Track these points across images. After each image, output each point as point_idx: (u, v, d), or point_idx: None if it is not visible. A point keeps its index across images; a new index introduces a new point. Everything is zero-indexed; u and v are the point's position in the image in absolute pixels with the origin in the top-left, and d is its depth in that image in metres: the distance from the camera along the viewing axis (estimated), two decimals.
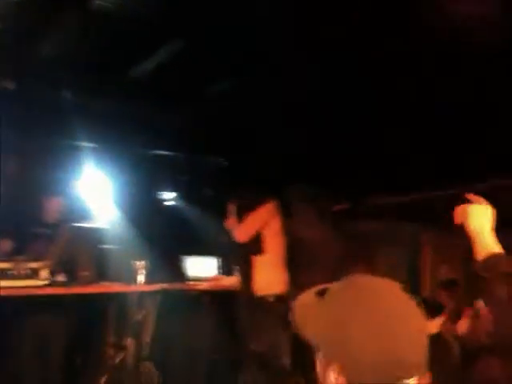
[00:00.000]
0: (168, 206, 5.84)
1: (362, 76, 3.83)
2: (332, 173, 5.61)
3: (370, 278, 0.99)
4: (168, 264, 4.59)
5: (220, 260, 4.84)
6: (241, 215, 3.80)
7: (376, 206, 6.40)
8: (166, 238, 5.05)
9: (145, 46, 3.71)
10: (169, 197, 5.84)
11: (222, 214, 4.00)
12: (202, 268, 4.78)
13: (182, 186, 5.79)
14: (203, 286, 4.46)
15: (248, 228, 3.69)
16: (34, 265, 3.78)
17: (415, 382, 0.87)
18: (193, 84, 4.30)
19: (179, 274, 4.62)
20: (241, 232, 3.74)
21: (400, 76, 3.73)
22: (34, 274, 3.77)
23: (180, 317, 4.31)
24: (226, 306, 4.35)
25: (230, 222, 3.91)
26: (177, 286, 4.40)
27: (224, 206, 3.99)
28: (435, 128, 4.45)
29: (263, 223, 3.69)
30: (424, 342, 0.92)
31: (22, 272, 3.74)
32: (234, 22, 3.25)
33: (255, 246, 3.67)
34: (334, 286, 1.00)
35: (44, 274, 3.79)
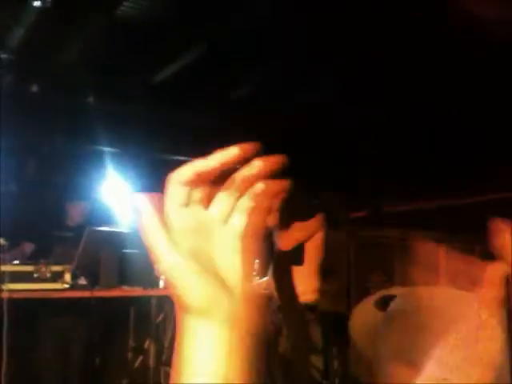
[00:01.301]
0: None
1: (381, 82, 3.83)
2: (350, 180, 5.61)
3: (436, 290, 1.00)
4: None
5: None
6: (285, 217, 3.79)
7: (395, 213, 6.38)
8: None
9: (166, 51, 3.75)
10: None
11: None
12: None
13: None
14: None
15: (294, 238, 3.70)
16: (56, 268, 3.83)
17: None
18: (215, 89, 4.33)
19: None
20: (285, 241, 3.73)
21: (422, 84, 3.73)
22: (56, 277, 3.82)
23: None
24: None
25: (272, 220, 3.91)
26: None
27: None
28: (453, 136, 4.44)
29: (309, 236, 3.70)
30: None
31: (45, 275, 3.79)
32: (255, 25, 3.27)
33: (297, 255, 3.67)
34: (396, 301, 1.00)
35: (66, 277, 3.83)
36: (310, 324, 2.84)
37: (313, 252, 2.71)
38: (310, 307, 2.77)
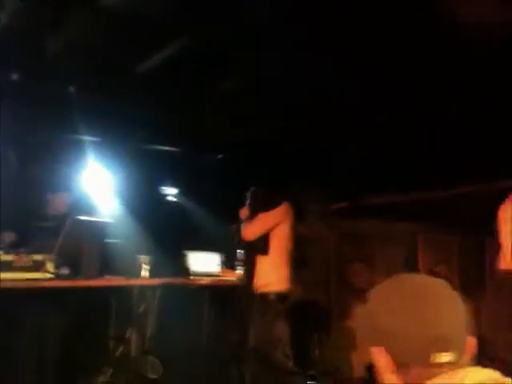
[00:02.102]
0: (170, 201, 5.87)
1: (364, 76, 3.87)
2: (330, 171, 5.67)
3: (410, 275, 1.12)
4: (170, 259, 4.64)
5: (222, 255, 4.89)
6: (254, 209, 3.84)
7: (374, 205, 6.46)
8: (169, 233, 5.09)
9: (149, 43, 3.73)
10: (171, 192, 5.88)
11: (223, 210, 4.04)
12: (203, 263, 4.83)
13: (184, 182, 5.83)
14: (205, 280, 4.51)
15: (257, 228, 3.73)
16: (37, 257, 3.80)
17: (450, 357, 0.95)
18: (195, 81, 4.33)
19: (181, 269, 4.66)
20: (249, 231, 3.78)
21: (403, 76, 3.77)
22: (37, 266, 3.79)
23: (181, 311, 4.35)
24: (226, 301, 4.40)
25: (244, 213, 3.96)
26: (179, 280, 4.45)
27: (225, 201, 4.04)
28: (435, 128, 4.51)
29: (274, 225, 3.72)
30: (462, 322, 1.02)
31: (26, 264, 3.76)
32: (239, 20, 3.27)
33: (261, 244, 3.71)
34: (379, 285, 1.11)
35: (48, 266, 3.82)
36: (279, 314, 2.89)
37: (282, 242, 2.84)
38: (280, 296, 2.87)
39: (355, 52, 3.40)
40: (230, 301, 4.33)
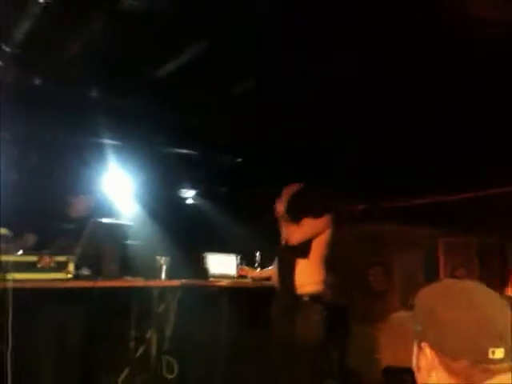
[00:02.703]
0: (189, 203, 5.92)
1: (380, 81, 3.87)
2: (349, 173, 5.66)
3: (456, 280, 1.16)
4: (189, 260, 4.67)
5: (240, 257, 4.91)
6: (294, 209, 3.79)
7: (393, 208, 6.44)
8: (188, 235, 5.13)
9: (169, 47, 3.78)
10: (190, 194, 5.93)
11: (241, 212, 4.03)
12: (222, 265, 4.85)
13: (203, 184, 5.87)
14: (223, 282, 4.53)
15: (304, 235, 3.71)
16: (60, 258, 3.86)
17: (504, 354, 0.98)
18: (213, 84, 4.36)
19: (200, 271, 4.69)
20: (296, 237, 3.74)
21: (421, 83, 3.77)
22: (59, 267, 3.85)
23: (200, 312, 4.38)
24: (245, 302, 4.42)
25: (279, 209, 3.95)
26: (197, 282, 4.48)
27: (243, 203, 4.03)
28: (453, 132, 4.49)
29: (318, 234, 3.72)
30: (509, 319, 1.05)
31: (48, 265, 3.83)
32: (258, 23, 3.30)
33: (303, 248, 3.69)
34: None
35: (70, 267, 3.87)
36: (313, 313, 2.90)
37: (319, 248, 2.87)
38: (314, 297, 2.89)
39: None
40: (247, 301, 4.34)
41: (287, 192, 3.95)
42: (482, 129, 4.30)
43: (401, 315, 1.15)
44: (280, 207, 3.91)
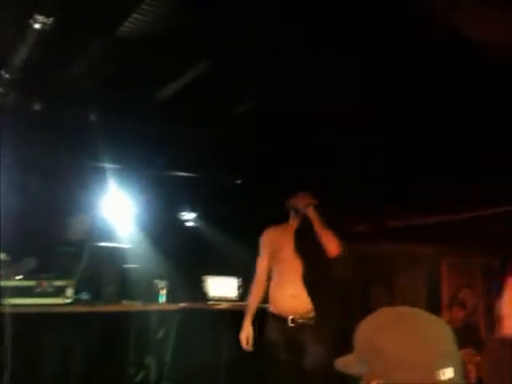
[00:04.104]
0: (188, 226, 5.91)
1: (384, 100, 3.88)
2: (349, 193, 5.65)
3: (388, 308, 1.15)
4: (189, 284, 4.65)
5: (240, 279, 4.88)
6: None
7: (394, 227, 6.41)
8: (187, 258, 5.11)
9: (169, 70, 3.81)
10: (189, 217, 5.92)
11: (241, 234, 4.00)
12: (222, 288, 4.83)
13: (202, 207, 5.87)
14: (223, 305, 4.51)
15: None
16: (58, 283, 3.86)
17: (452, 374, 0.97)
18: (213, 106, 4.39)
19: (200, 294, 4.66)
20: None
21: (425, 102, 3.78)
22: (58, 291, 3.85)
23: (200, 336, 4.34)
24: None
25: (306, 201, 3.70)
26: (197, 305, 4.45)
27: (242, 226, 3.97)
28: (455, 151, 4.48)
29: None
30: (451, 337, 1.05)
31: (47, 290, 3.81)
32: (257, 44, 3.32)
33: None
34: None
35: (68, 292, 3.86)
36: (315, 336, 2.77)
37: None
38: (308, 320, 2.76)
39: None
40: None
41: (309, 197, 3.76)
42: (486, 148, 4.29)
43: (343, 360, 1.12)
44: (306, 200, 3.69)
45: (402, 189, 5.37)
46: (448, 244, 6.44)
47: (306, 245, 3.64)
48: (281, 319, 3.53)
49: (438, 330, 1.04)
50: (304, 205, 3.66)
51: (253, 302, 3.65)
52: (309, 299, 3.53)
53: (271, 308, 3.62)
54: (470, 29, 2.67)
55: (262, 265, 3.69)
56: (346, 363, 1.11)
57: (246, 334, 3.56)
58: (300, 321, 3.49)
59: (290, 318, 3.49)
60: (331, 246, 3.54)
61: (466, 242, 6.15)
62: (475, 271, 6.86)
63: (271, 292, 3.65)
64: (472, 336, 4.37)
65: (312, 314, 3.53)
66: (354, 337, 1.09)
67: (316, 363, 3.46)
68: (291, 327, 3.49)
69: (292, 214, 3.76)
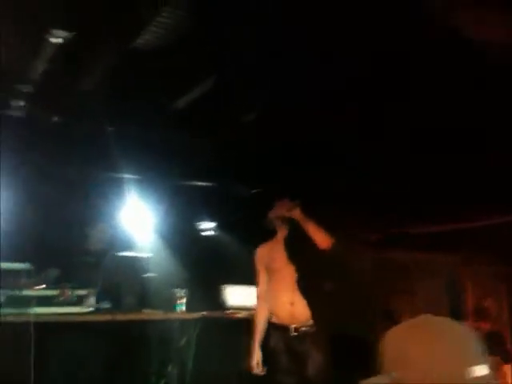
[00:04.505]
0: (207, 235, 5.94)
1: (397, 107, 3.88)
2: (370, 199, 5.62)
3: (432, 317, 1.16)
4: (208, 292, 4.67)
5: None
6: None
7: (416, 234, 6.35)
8: (206, 267, 5.14)
9: (184, 79, 3.85)
10: (208, 226, 5.95)
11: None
12: (240, 297, 4.83)
13: (220, 216, 5.89)
14: (242, 314, 4.51)
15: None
16: (80, 292, 3.92)
17: (486, 370, 0.98)
18: (231, 115, 4.43)
19: (218, 303, 4.68)
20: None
21: (437, 107, 3.77)
22: (79, 300, 3.91)
23: (221, 344, 4.35)
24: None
25: (285, 208, 3.70)
26: (216, 314, 4.46)
27: (261, 234, 3.94)
28: (475, 156, 4.45)
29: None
30: (480, 344, 1.08)
31: (69, 299, 3.87)
32: (268, 52, 3.35)
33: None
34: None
35: (90, 300, 3.92)
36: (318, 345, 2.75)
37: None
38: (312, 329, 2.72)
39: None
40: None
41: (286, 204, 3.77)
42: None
43: (370, 380, 1.13)
44: (289, 205, 3.70)
45: (423, 195, 5.33)
46: (471, 252, 6.36)
47: (299, 251, 3.66)
48: (282, 328, 3.52)
49: (467, 337, 1.05)
50: (288, 209, 3.67)
51: (260, 321, 3.64)
52: (306, 306, 3.53)
53: (271, 317, 3.62)
54: (469, 29, 2.67)
55: (261, 282, 3.72)
56: (373, 379, 1.12)
57: (257, 359, 3.56)
58: (302, 329, 3.48)
59: (293, 326, 3.47)
60: (321, 239, 3.55)
61: (489, 250, 6.06)
62: (499, 280, 6.74)
63: (268, 302, 3.66)
64: (497, 345, 4.31)
65: (311, 322, 3.52)
66: (381, 347, 1.10)
67: (318, 371, 3.45)
68: (293, 336, 3.47)
69: (278, 224, 3.78)
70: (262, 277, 3.72)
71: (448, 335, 1.05)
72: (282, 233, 3.77)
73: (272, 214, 3.81)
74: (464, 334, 1.06)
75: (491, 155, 4.35)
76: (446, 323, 1.09)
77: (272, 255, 3.71)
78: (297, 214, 3.66)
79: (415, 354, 1.03)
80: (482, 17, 2.57)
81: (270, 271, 3.69)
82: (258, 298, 3.73)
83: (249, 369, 3.60)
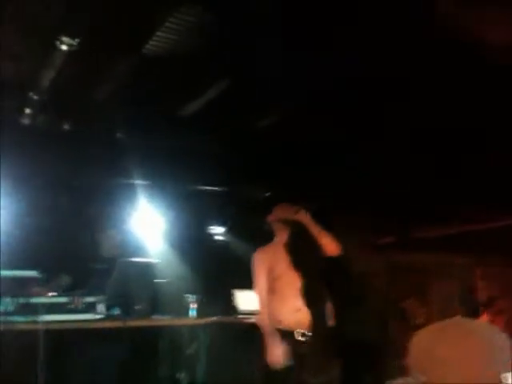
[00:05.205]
0: (218, 240, 5.93)
1: (411, 110, 3.85)
2: (382, 204, 5.58)
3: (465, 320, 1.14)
4: (219, 298, 4.65)
5: None
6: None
7: (429, 237, 6.30)
8: (217, 272, 5.12)
9: (193, 85, 3.85)
10: (218, 231, 5.94)
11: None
12: (252, 302, 4.80)
13: (231, 221, 5.88)
14: (253, 319, 4.48)
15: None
16: (90, 299, 3.91)
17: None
18: (240, 120, 4.42)
19: (230, 308, 4.65)
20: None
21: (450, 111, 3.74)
22: (89, 307, 3.90)
23: (231, 350, 4.33)
24: None
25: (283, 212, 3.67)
26: (227, 319, 4.44)
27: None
28: (488, 159, 4.40)
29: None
30: (508, 343, 1.03)
31: (79, 306, 3.87)
32: (279, 59, 3.34)
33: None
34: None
35: (99, 307, 3.91)
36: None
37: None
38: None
39: None
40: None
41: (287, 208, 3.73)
42: None
43: (398, 381, 1.12)
44: (292, 208, 3.65)
45: (437, 198, 5.29)
46: (484, 253, 6.29)
47: (302, 256, 3.62)
48: (286, 333, 3.45)
49: (495, 337, 1.04)
50: (293, 212, 3.63)
51: (268, 324, 3.56)
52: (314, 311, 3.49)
53: (274, 324, 3.53)
54: (470, 29, 2.64)
55: (262, 287, 3.63)
56: (400, 381, 1.10)
57: (278, 353, 3.44)
58: (309, 334, 3.43)
59: (300, 331, 3.42)
60: (331, 246, 3.51)
61: (501, 251, 5.99)
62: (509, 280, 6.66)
63: (273, 309, 3.57)
64: None
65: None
66: (409, 350, 1.08)
67: (325, 377, 3.40)
68: (299, 341, 3.42)
69: (278, 228, 3.73)
70: (263, 281, 3.63)
71: (477, 337, 1.03)
72: (281, 237, 3.73)
73: (271, 218, 3.77)
74: (495, 337, 1.05)
75: (496, 156, 4.31)
76: (476, 325, 1.08)
77: (274, 260, 3.65)
78: (304, 217, 3.62)
79: (442, 355, 1.01)
80: (482, 16, 2.54)
81: (273, 277, 3.61)
82: (260, 300, 3.64)
83: (268, 366, 3.48)
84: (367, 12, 2.70)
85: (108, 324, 3.86)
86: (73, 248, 4.51)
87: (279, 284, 3.58)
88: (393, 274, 6.30)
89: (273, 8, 2.72)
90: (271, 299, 3.59)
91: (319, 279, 3.59)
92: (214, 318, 4.35)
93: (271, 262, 3.64)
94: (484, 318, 4.80)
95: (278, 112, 4.26)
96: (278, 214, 3.72)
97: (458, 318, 1.13)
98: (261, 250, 3.77)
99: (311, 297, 3.49)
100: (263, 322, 3.59)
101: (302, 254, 3.61)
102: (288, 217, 3.66)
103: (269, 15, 2.78)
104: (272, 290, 3.61)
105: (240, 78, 3.66)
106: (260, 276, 3.65)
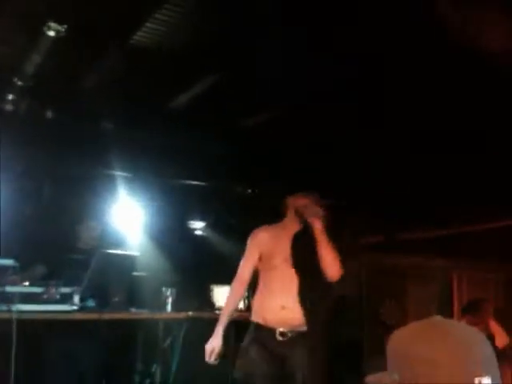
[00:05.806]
0: (198, 234, 5.92)
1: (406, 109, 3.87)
2: (361, 206, 5.61)
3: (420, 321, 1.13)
4: (197, 292, 4.64)
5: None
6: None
7: (408, 240, 6.34)
8: (195, 267, 5.11)
9: (181, 80, 3.83)
10: (198, 226, 5.93)
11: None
12: None
13: (211, 216, 5.87)
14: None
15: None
16: (65, 290, 3.86)
17: (490, 381, 0.96)
18: (224, 116, 4.40)
19: (207, 303, 4.64)
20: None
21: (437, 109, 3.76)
22: (65, 298, 3.85)
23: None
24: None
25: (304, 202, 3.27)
26: (204, 314, 4.43)
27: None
28: (468, 162, 4.44)
29: None
30: (487, 345, 1.05)
31: (54, 297, 3.82)
32: (268, 55, 3.32)
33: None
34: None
35: (75, 299, 3.86)
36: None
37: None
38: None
39: None
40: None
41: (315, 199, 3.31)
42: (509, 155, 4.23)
43: (376, 376, 1.11)
44: (315, 209, 3.24)
45: (415, 201, 5.32)
46: (462, 257, 6.35)
47: (304, 252, 3.27)
48: (267, 331, 3.19)
49: (473, 339, 1.04)
50: (311, 214, 3.24)
51: (230, 305, 3.32)
52: (301, 311, 3.19)
53: (256, 319, 3.27)
54: (469, 31, 2.66)
55: (247, 265, 3.31)
56: (377, 377, 1.10)
57: (215, 345, 3.20)
58: (290, 334, 3.16)
59: (280, 330, 3.15)
60: (333, 270, 3.20)
61: (479, 255, 6.06)
62: (490, 285, 6.75)
63: (258, 302, 3.32)
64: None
65: (304, 328, 3.21)
66: (387, 347, 1.08)
67: (302, 381, 3.14)
68: (278, 341, 3.16)
69: (292, 215, 3.35)
70: (251, 261, 3.30)
71: (454, 337, 1.03)
72: (292, 226, 3.35)
73: (292, 203, 3.36)
74: (472, 337, 1.04)
75: (488, 158, 4.35)
76: (454, 325, 1.08)
77: (273, 246, 3.29)
78: (317, 224, 3.24)
79: (417, 354, 1.01)
80: (482, 17, 2.55)
81: (265, 265, 3.29)
82: (237, 280, 3.32)
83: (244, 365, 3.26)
84: (367, 12, 2.70)
85: (83, 316, 3.81)
86: (51, 238, 4.46)
87: (270, 276, 3.26)
88: (370, 275, 6.34)
89: None
90: (259, 291, 3.33)
91: (315, 282, 3.36)
92: (191, 313, 4.32)
93: (269, 247, 3.30)
94: (464, 322, 4.86)
95: (265, 110, 4.26)
96: (299, 205, 3.30)
97: (436, 318, 1.12)
98: (262, 229, 3.39)
99: (304, 297, 3.20)
100: (228, 300, 3.36)
101: (305, 253, 3.26)
102: (306, 216, 3.28)
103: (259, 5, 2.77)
104: (263, 281, 3.32)
105: (228, 73, 3.64)
106: (250, 256, 3.33)
